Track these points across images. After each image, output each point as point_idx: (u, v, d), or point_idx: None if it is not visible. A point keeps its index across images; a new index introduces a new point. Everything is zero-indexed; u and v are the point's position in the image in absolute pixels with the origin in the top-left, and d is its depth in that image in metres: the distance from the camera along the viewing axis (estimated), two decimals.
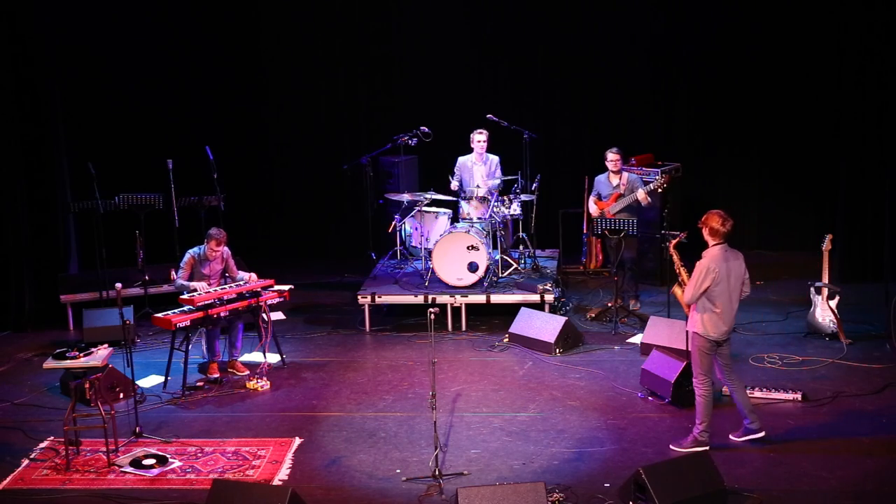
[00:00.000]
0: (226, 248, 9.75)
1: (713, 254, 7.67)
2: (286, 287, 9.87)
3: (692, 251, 12.54)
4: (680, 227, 11.38)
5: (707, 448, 7.70)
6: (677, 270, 8.07)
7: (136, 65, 13.07)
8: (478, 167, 11.56)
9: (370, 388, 9.30)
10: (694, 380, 7.79)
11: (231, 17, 13.44)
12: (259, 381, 9.35)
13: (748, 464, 7.55)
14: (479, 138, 11.48)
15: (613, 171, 10.92)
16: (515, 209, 11.45)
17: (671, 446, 7.80)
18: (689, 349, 7.88)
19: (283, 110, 13.87)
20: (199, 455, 7.98)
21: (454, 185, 11.54)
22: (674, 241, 8.44)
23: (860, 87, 11.60)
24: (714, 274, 7.57)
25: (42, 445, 8.22)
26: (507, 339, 10.39)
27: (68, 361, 8.34)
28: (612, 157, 10.85)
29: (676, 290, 8.05)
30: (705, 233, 7.78)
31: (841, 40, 11.86)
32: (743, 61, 13.08)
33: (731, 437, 7.91)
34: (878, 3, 11.27)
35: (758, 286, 12.04)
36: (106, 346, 8.69)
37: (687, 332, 7.89)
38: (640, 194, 10.68)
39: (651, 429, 8.22)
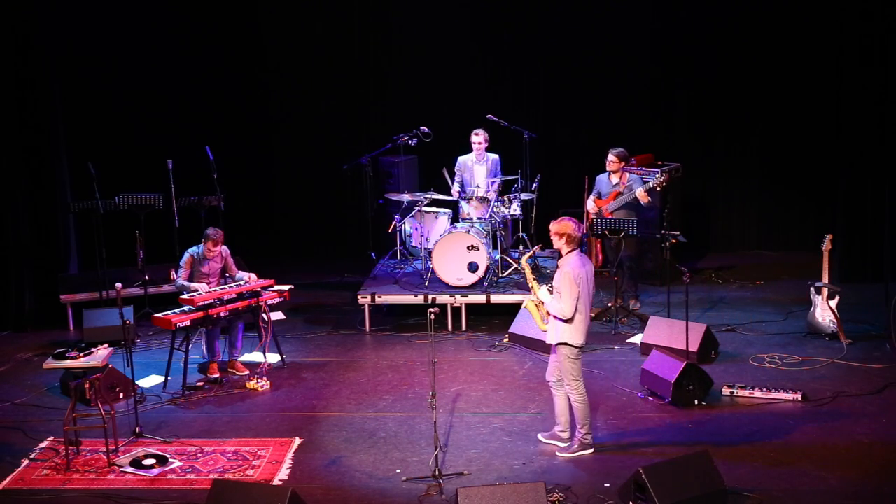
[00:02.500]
0: (224, 247, 9.76)
1: (573, 261, 7.58)
2: (286, 287, 9.87)
3: (691, 251, 12.66)
4: (680, 228, 11.43)
5: (592, 450, 7.76)
6: (530, 284, 7.85)
7: (136, 65, 13.07)
8: (478, 167, 11.56)
9: (370, 388, 9.30)
10: (567, 387, 7.73)
11: (231, 17, 13.44)
12: (259, 381, 9.35)
13: (748, 464, 7.55)
14: (477, 139, 11.47)
15: (612, 171, 10.92)
16: (515, 209, 11.44)
17: (558, 454, 7.78)
18: (556, 361, 7.75)
19: (283, 110, 13.88)
20: (199, 455, 7.98)
21: (455, 190, 11.54)
22: (527, 255, 8.27)
23: (860, 87, 11.60)
24: (580, 280, 7.53)
25: (42, 445, 8.22)
26: (507, 339, 10.39)
27: (68, 361, 8.34)
28: (610, 157, 10.84)
29: (531, 305, 7.87)
30: (562, 241, 7.61)
31: (840, 40, 11.86)
32: (743, 61, 13.09)
33: (539, 434, 8.04)
34: (877, 2, 11.27)
35: (758, 286, 12.12)
36: (106, 346, 8.69)
37: (551, 344, 7.75)
38: (640, 192, 10.68)
39: (651, 429, 8.22)
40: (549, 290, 7.70)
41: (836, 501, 7.01)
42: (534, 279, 7.88)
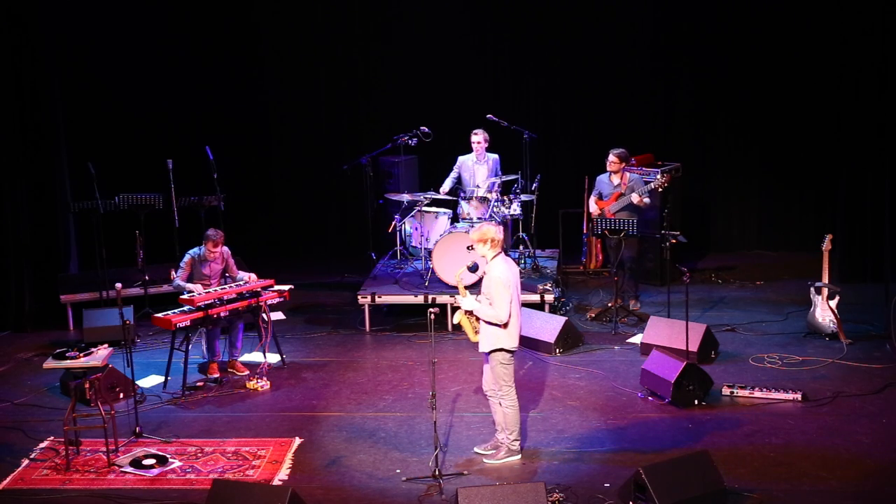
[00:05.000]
0: (225, 248, 9.76)
1: (501, 265, 7.53)
2: (286, 287, 9.87)
3: (691, 251, 12.66)
4: (680, 228, 11.44)
5: (519, 457, 7.70)
6: (463, 295, 7.69)
7: (135, 65, 13.08)
8: (479, 167, 11.56)
9: (370, 388, 9.30)
10: (500, 392, 7.63)
11: (231, 16, 13.45)
12: (259, 381, 9.35)
13: (748, 464, 7.55)
14: (475, 139, 11.47)
15: (613, 172, 10.92)
16: (515, 209, 11.44)
17: (485, 460, 7.70)
18: (490, 370, 7.64)
19: (283, 110, 13.88)
20: (199, 455, 7.98)
21: (443, 189, 11.54)
22: (459, 272, 7.91)
23: (860, 87, 11.60)
24: (509, 283, 7.46)
25: (42, 445, 8.22)
26: None
27: (68, 361, 8.33)
28: (611, 158, 10.84)
29: (463, 319, 7.68)
30: (486, 246, 7.52)
31: (841, 40, 11.85)
32: (743, 61, 13.09)
33: (476, 447, 7.91)
34: (878, 2, 11.28)
35: (758, 286, 12.12)
36: (106, 346, 8.69)
37: (484, 352, 7.62)
38: (635, 198, 10.66)
39: (651, 429, 8.22)
40: (476, 299, 7.60)
41: (836, 501, 7.01)
42: (465, 290, 7.74)
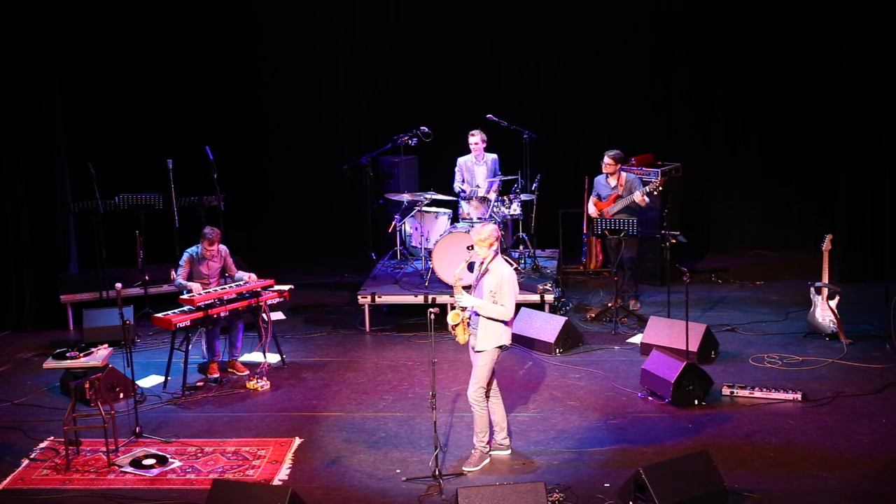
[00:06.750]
0: (223, 247, 9.76)
1: (504, 264, 7.63)
2: (286, 287, 9.87)
3: (691, 251, 12.66)
4: (680, 228, 11.44)
5: (489, 459, 7.71)
6: (458, 294, 7.67)
7: (135, 65, 13.06)
8: (478, 167, 11.56)
9: (370, 388, 9.30)
10: (472, 394, 7.61)
11: (231, 16, 13.44)
12: (259, 381, 9.35)
13: (748, 464, 7.55)
14: (473, 140, 11.47)
15: (609, 173, 10.90)
16: (515, 209, 11.44)
17: (464, 468, 7.60)
18: (479, 364, 7.61)
19: (283, 110, 13.87)
20: (199, 455, 7.98)
21: (457, 186, 11.55)
22: (458, 270, 7.95)
23: (860, 87, 11.60)
24: (516, 282, 7.59)
25: (42, 445, 8.22)
26: None
27: (68, 361, 8.33)
28: (606, 160, 10.81)
29: (457, 319, 7.63)
30: (491, 247, 7.56)
31: (841, 40, 11.86)
32: (743, 61, 13.08)
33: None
34: (878, 2, 11.28)
35: (758, 286, 12.12)
36: (106, 346, 8.68)
37: (481, 351, 7.58)
38: (637, 196, 10.66)
39: (651, 429, 8.22)
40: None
41: (836, 501, 7.01)
42: (462, 290, 7.72)
